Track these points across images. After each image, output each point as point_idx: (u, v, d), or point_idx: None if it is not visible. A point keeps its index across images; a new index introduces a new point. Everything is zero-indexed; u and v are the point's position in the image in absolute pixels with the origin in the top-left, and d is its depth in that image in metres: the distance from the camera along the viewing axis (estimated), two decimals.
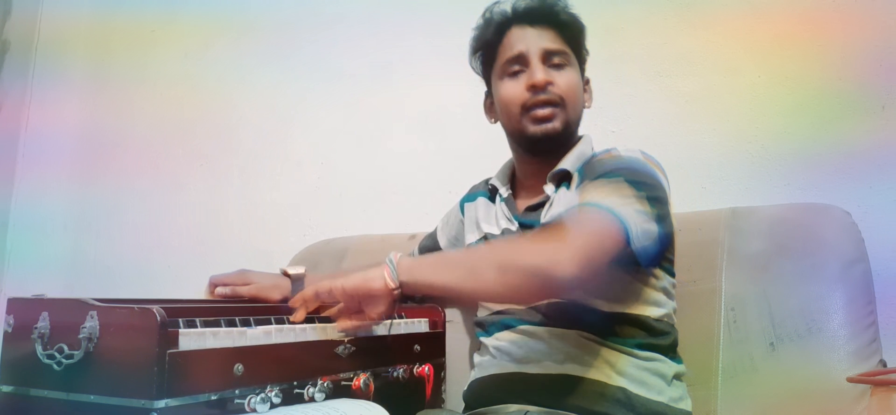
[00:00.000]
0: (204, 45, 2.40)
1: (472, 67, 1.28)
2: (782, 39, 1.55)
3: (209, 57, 2.39)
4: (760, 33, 1.58)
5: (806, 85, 1.52)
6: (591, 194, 1.03)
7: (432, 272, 1.02)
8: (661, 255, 1.12)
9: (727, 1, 1.63)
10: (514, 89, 1.18)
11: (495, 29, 1.20)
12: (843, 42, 1.49)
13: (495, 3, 1.22)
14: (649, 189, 1.05)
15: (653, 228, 1.03)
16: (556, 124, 1.16)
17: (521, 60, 1.17)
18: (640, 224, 1.01)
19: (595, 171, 1.10)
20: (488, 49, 1.23)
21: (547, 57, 1.17)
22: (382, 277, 0.99)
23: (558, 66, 1.17)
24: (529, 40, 1.17)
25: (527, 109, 1.17)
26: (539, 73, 1.15)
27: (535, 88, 1.15)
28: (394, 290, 0.99)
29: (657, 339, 1.11)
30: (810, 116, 1.51)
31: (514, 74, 1.18)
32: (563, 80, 1.16)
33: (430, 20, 1.99)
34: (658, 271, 1.13)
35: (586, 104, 1.24)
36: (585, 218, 0.99)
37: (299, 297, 1.04)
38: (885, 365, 1.20)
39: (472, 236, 1.30)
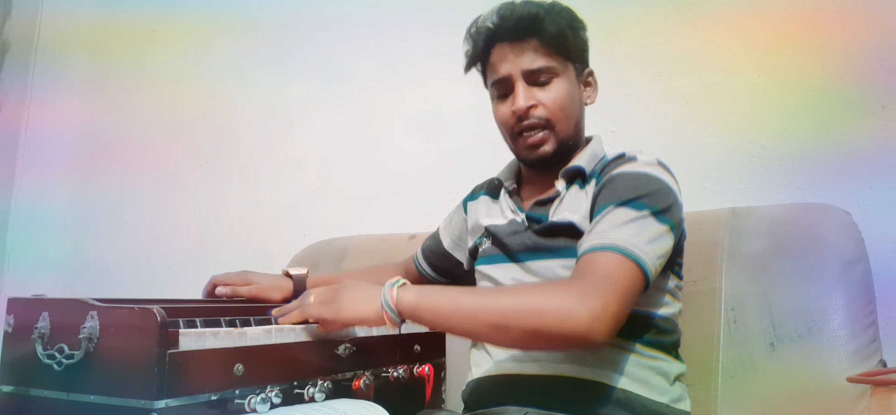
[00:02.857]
0: (204, 45, 2.40)
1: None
2: (782, 39, 1.55)
3: (209, 57, 2.39)
4: (760, 33, 1.58)
5: (806, 85, 1.52)
6: (617, 233, 0.99)
7: (446, 317, 0.99)
8: (671, 260, 1.11)
9: (727, 1, 1.63)
10: (503, 113, 1.17)
11: (481, 46, 1.18)
12: (843, 42, 1.49)
13: (479, 17, 1.19)
14: (670, 213, 1.04)
15: (668, 248, 1.03)
16: (547, 149, 1.15)
17: (506, 84, 1.16)
18: (659, 261, 1.01)
19: (618, 190, 1.05)
20: (480, 64, 1.22)
21: (530, 77, 1.14)
22: (380, 318, 0.98)
23: (544, 83, 1.14)
24: (511, 61, 1.14)
25: (516, 133, 1.16)
26: (521, 99, 1.13)
27: (519, 115, 1.14)
28: (396, 327, 0.99)
29: (661, 337, 1.11)
30: (810, 116, 1.51)
31: (503, 96, 1.17)
32: (550, 98, 1.13)
33: (430, 20, 1.99)
34: (667, 272, 1.12)
35: (588, 101, 1.21)
36: (617, 274, 0.95)
37: (287, 320, 1.04)
38: (885, 365, 1.20)
39: (474, 237, 1.30)
